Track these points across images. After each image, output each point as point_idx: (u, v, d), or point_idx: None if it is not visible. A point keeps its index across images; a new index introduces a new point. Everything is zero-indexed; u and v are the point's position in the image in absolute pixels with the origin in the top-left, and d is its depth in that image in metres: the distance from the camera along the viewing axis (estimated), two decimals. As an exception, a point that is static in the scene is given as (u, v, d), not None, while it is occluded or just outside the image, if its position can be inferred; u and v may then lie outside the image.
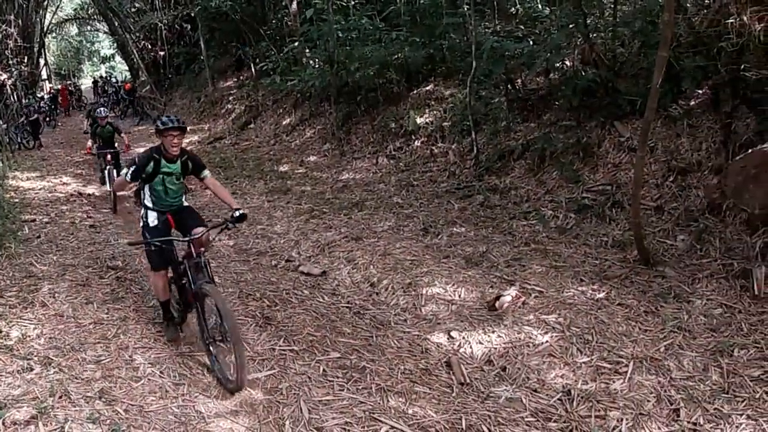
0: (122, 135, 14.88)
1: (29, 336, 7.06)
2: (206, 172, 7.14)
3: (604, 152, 10.25)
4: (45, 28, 42.79)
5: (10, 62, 32.80)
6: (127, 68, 44.91)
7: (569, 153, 10.60)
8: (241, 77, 26.58)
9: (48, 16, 43.79)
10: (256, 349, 6.81)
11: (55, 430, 5.31)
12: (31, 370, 6.30)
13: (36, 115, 25.83)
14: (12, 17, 34.18)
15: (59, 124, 29.21)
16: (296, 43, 19.77)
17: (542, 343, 6.24)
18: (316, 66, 19.12)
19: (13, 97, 32.21)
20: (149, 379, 6.20)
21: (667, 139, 9.55)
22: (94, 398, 5.82)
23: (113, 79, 42.48)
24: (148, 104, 31.55)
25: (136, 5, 34.96)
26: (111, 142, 14.76)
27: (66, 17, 49.44)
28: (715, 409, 4.96)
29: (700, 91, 9.78)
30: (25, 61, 35.38)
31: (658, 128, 9.73)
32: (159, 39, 33.18)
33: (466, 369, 6.08)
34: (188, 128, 23.98)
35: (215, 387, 6.08)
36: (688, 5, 10.34)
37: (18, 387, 5.97)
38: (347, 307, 7.82)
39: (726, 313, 6.31)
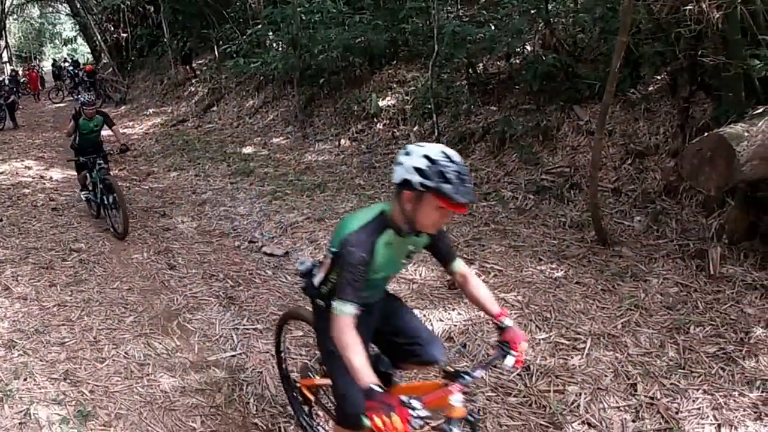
0: (115, 127, 11.18)
1: (-7, 319, 6.97)
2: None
3: (563, 135, 10.27)
4: (6, 10, 42.08)
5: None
6: (89, 50, 44.28)
7: (529, 136, 10.60)
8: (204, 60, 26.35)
9: (8, -2, 43.15)
10: (220, 329, 6.75)
11: (21, 412, 5.25)
12: (-5, 353, 6.22)
13: (12, 97, 25.48)
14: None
15: (20, 107, 28.68)
16: (260, 26, 19.57)
17: (502, 320, 6.23)
18: (280, 49, 18.98)
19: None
20: (114, 360, 6.16)
21: (626, 123, 9.60)
22: (59, 380, 5.78)
23: (66, 63, 41.70)
24: (111, 87, 31.10)
25: (99, -14, 34.44)
26: (99, 143, 11.13)
27: (26, -1, 48.68)
28: (671, 383, 4.98)
29: (659, 77, 9.84)
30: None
31: (616, 112, 9.77)
32: (121, 21, 32.69)
33: (427, 346, 6.07)
34: (151, 111, 23.87)
35: (180, 367, 6.02)
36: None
37: None
38: (310, 286, 7.75)
39: (682, 292, 6.35)
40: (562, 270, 7.14)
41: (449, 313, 6.54)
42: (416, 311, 6.60)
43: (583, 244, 7.77)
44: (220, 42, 22.76)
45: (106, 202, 10.30)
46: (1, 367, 5.98)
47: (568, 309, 6.27)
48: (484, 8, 14.34)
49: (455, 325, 6.32)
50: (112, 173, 11.00)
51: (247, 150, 16.05)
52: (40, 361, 6.12)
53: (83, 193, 11.23)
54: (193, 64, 26.37)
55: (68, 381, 5.75)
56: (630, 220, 8.14)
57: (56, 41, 68.20)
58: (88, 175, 10.80)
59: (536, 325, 6.06)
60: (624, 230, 7.98)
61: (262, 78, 20.13)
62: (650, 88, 9.84)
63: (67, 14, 47.85)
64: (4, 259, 9.00)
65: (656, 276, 6.71)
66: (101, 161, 10.46)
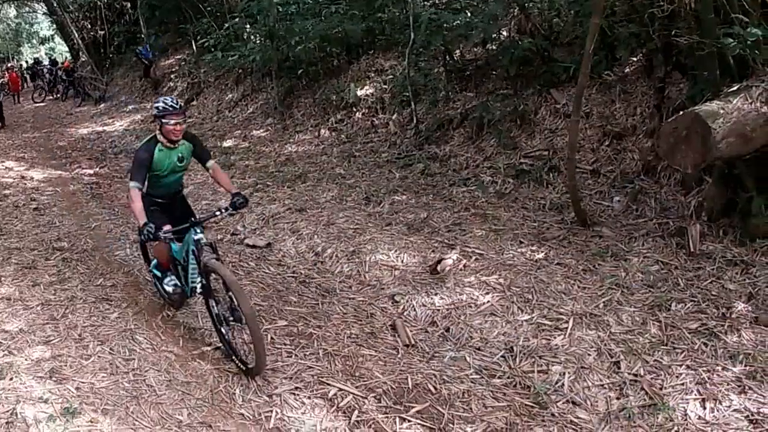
0: (214, 164, 6.68)
1: (-24, 321, 6.91)
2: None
3: (541, 119, 10.29)
4: (-18, 12, 41.71)
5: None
6: (67, 49, 43.91)
7: (507, 121, 10.59)
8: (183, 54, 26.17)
9: (-16, -2, 42.70)
10: (204, 321, 6.73)
11: (8, 411, 5.19)
12: (-22, 353, 6.17)
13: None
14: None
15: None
16: (237, 19, 19.45)
17: (484, 303, 6.26)
18: (257, 41, 18.85)
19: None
20: (99, 357, 6.11)
21: (602, 105, 9.63)
22: (45, 378, 5.73)
23: (43, 62, 41.37)
24: (89, 84, 30.84)
25: (74, -16, 34.12)
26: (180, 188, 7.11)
27: (2, -1, 48.17)
28: (654, 360, 5.01)
29: (634, 59, 9.85)
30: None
31: (593, 95, 9.79)
32: (98, 18, 32.43)
33: (410, 331, 6.11)
34: (130, 107, 23.72)
35: (165, 361, 5.99)
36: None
37: None
38: (293, 276, 7.78)
39: (662, 270, 6.37)
40: (542, 252, 7.14)
41: (431, 298, 6.57)
42: (398, 297, 6.66)
43: (563, 226, 7.79)
44: (198, 36, 22.53)
45: (214, 308, 6.08)
46: (-15, 368, 5.94)
47: (549, 290, 6.28)
48: (459, -5, 14.33)
49: (438, 309, 6.35)
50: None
51: (228, 143, 15.94)
52: (26, 360, 6.05)
53: (169, 281, 6.77)
54: (156, 75, 26.26)
55: (54, 379, 5.70)
56: (609, 200, 8.16)
57: (34, 41, 67.52)
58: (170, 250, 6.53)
59: (518, 307, 6.09)
60: (603, 211, 8.01)
61: (240, 71, 20.00)
62: (626, 70, 9.86)
63: (43, 13, 47.38)
64: (-13, 260, 8.93)
65: (636, 255, 6.72)
66: (198, 230, 5.99)
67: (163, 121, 5.92)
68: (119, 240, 9.67)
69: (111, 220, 10.75)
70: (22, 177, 14.84)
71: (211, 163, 6.53)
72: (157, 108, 5.98)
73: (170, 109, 5.94)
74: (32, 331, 6.64)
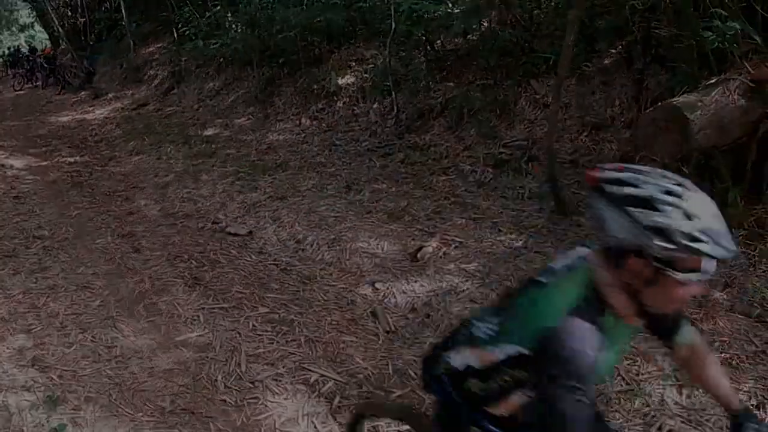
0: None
1: (-44, 310, 6.90)
2: None
3: (521, 109, 10.34)
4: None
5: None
6: (47, 37, 43.57)
7: (487, 110, 10.63)
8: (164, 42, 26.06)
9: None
10: (186, 309, 6.72)
11: (-10, 400, 5.19)
12: (-39, 342, 6.16)
13: None
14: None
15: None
16: (218, 7, 19.39)
17: (463, 290, 6.31)
18: (239, 30, 18.81)
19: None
20: (81, 345, 6.10)
21: (582, 96, 9.70)
22: (27, 366, 5.73)
23: (23, 49, 41.10)
24: (70, 72, 30.62)
25: (54, -29, 33.86)
26: None
27: (-19, -15, 47.81)
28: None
29: (614, 50, 9.92)
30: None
31: (572, 86, 9.84)
32: (79, 5, 32.19)
33: (391, 318, 6.13)
34: (111, 95, 23.54)
35: (147, 348, 5.99)
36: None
37: None
38: (274, 264, 7.76)
39: (639, 257, 6.40)
40: (521, 240, 7.21)
41: (412, 285, 6.61)
42: (379, 284, 6.70)
43: (542, 215, 7.85)
44: (179, 24, 22.47)
45: None
46: (-32, 356, 5.94)
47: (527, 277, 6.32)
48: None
49: (418, 297, 6.39)
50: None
51: (209, 132, 15.87)
52: (8, 348, 6.05)
53: None
54: (98, 84, 26.35)
55: (36, 367, 5.70)
56: (587, 190, 8.19)
57: (13, 28, 66.99)
58: None
59: (497, 294, 6.11)
60: (582, 200, 8.02)
61: (222, 60, 19.87)
62: (605, 62, 9.93)
63: (23, 0, 47.07)
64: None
65: (614, 243, 6.76)
66: None
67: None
68: (100, 229, 9.60)
69: (92, 209, 10.67)
70: (2, 165, 14.73)
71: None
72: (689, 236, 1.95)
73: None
74: (13, 320, 6.62)
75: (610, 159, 8.52)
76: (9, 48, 47.33)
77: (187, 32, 20.66)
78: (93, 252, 8.65)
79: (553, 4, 11.30)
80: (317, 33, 16.03)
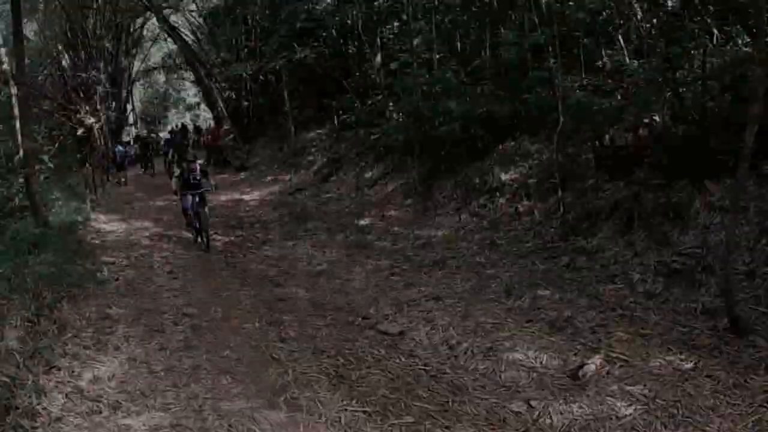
0: None
1: (100, 378, 7.45)
2: None
3: (695, 213, 10.08)
4: (133, 75, 44.37)
5: (98, 107, 34.10)
6: (211, 116, 46.06)
7: (659, 213, 10.48)
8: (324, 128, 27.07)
9: (136, 63, 45.52)
10: (328, 408, 6.88)
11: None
12: (100, 413, 6.64)
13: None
14: (101, 64, 35.60)
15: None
16: (380, 96, 20.09)
17: (625, 415, 6.21)
18: (400, 119, 19.36)
19: (100, 141, 33.53)
20: None
21: (760, 199, 9.39)
22: (161, 446, 6.07)
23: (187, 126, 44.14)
24: (231, 153, 32.17)
25: (222, 56, 35.93)
26: None
27: (154, 65, 51.11)
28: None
29: (794, 147, 9.66)
30: (113, 106, 36.66)
31: (750, 187, 9.56)
32: (243, 89, 33.98)
33: (545, 441, 6.09)
34: (269, 178, 24.52)
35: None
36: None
37: (85, 429, 6.34)
38: (424, 369, 7.83)
39: (821, 388, 6.20)
40: (691, 361, 7.04)
41: (570, 406, 6.55)
42: (534, 402, 6.69)
43: (715, 333, 7.63)
44: (340, 111, 23.37)
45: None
46: (104, 427, 6.35)
47: (696, 405, 6.20)
48: (609, 77, 14.38)
49: (576, 419, 6.33)
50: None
51: (365, 222, 16.36)
52: (144, 425, 6.42)
53: None
54: (126, 178, 28.48)
55: (169, 449, 6.02)
56: (765, 306, 7.95)
57: (180, 106, 71.14)
58: None
59: (662, 422, 6.03)
60: (758, 317, 7.80)
61: (381, 149, 20.50)
62: (786, 159, 9.68)
63: (191, 81, 50.05)
64: (117, 318, 9.59)
65: (792, 369, 6.58)
66: None
67: None
68: (248, 313, 10.04)
69: (242, 291, 11.23)
70: (159, 238, 15.77)
71: None
72: None
73: None
74: (153, 396, 7.02)
75: (791, 272, 8.30)
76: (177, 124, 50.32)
77: (348, 120, 21.43)
78: (239, 336, 9.07)
79: (728, 96, 11.11)
80: (480, 125, 16.27)
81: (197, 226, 15.06)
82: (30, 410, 6.44)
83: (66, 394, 6.94)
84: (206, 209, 15.20)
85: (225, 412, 6.75)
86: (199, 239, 15.10)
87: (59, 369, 7.44)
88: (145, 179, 30.17)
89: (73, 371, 7.48)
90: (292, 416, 6.74)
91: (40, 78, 34.91)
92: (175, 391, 7.20)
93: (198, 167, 15.60)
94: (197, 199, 15.04)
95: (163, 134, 47.39)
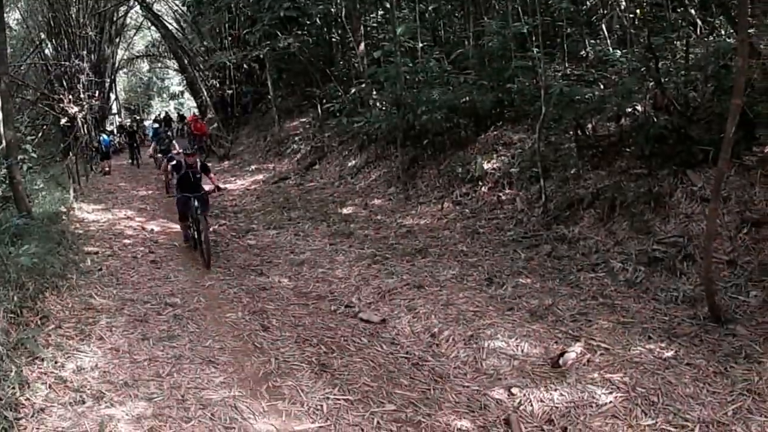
0: None
1: (84, 368, 7.38)
2: None
3: (676, 202, 10.11)
4: (116, 64, 44.13)
5: (82, 96, 33.88)
6: (195, 105, 45.94)
7: (640, 202, 10.49)
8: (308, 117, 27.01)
9: (119, 52, 45.28)
10: (310, 396, 6.88)
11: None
12: (83, 403, 6.59)
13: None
14: (85, 52, 35.37)
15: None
16: (363, 85, 20.03)
17: (606, 403, 6.21)
18: (383, 108, 19.31)
19: (84, 131, 33.33)
20: (200, 421, 6.37)
21: (741, 189, 9.41)
22: (144, 436, 6.03)
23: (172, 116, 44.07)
24: (215, 142, 32.07)
25: (206, 44, 35.79)
26: None
27: (137, 54, 50.91)
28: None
29: (776, 138, 9.68)
30: (96, 95, 36.43)
31: (731, 177, 9.60)
32: (227, 78, 33.87)
33: (525, 428, 6.10)
34: (253, 167, 24.46)
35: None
36: (761, 48, 10.30)
37: (68, 419, 6.26)
38: (406, 357, 7.84)
39: (800, 376, 6.20)
40: (672, 349, 7.05)
41: (551, 394, 6.55)
42: (515, 389, 6.68)
43: (696, 321, 7.66)
44: (324, 100, 23.31)
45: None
46: (87, 417, 6.29)
47: (676, 393, 6.20)
48: (592, 67, 14.38)
49: (556, 407, 6.33)
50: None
51: (348, 210, 16.35)
52: (126, 415, 6.37)
53: None
54: (110, 167, 28.58)
55: (152, 438, 5.98)
56: (745, 294, 7.98)
57: (164, 95, 70.95)
58: None
59: (642, 410, 6.03)
60: (739, 306, 7.83)
61: (364, 137, 20.46)
62: (766, 150, 9.67)
63: (175, 70, 49.90)
64: (101, 308, 9.48)
65: (772, 357, 6.58)
66: None
67: None
68: (231, 302, 10.02)
69: (225, 281, 11.19)
70: (143, 228, 15.67)
71: None
72: None
73: None
74: (136, 386, 6.99)
75: (772, 260, 8.30)
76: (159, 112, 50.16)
77: (331, 108, 21.36)
78: (222, 325, 9.03)
79: (710, 87, 11.11)
80: (463, 114, 16.31)
81: (196, 236, 12.98)
82: (13, 401, 6.37)
83: (49, 385, 6.87)
84: (207, 217, 13.22)
85: (208, 402, 6.73)
86: (200, 255, 12.67)
87: (42, 360, 7.35)
88: (129, 169, 29.97)
89: (56, 362, 7.40)
90: (274, 405, 6.72)
91: (22, 67, 34.68)
92: (158, 380, 7.16)
93: (198, 161, 13.41)
94: (197, 202, 12.81)
95: (148, 123, 47.35)
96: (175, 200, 13.58)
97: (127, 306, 9.64)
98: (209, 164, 15.18)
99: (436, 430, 6.20)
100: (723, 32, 12.80)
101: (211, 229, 13.47)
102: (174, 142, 23.64)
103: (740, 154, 9.69)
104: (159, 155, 21.62)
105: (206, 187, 13.39)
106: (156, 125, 34.06)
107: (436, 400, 6.75)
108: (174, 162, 13.62)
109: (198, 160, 13.53)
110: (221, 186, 14.44)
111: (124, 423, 6.22)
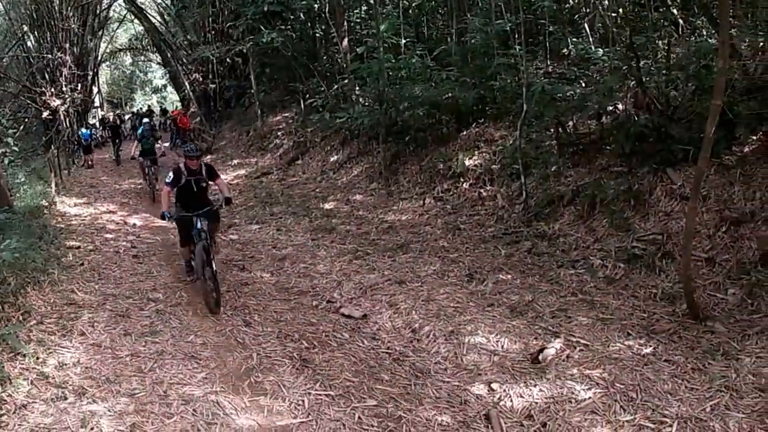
0: None
1: (66, 364, 7.32)
2: None
3: (656, 200, 10.15)
4: (99, 57, 43.84)
5: (64, 89, 33.65)
6: (178, 99, 45.76)
7: (620, 200, 10.53)
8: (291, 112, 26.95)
9: (102, 45, 44.95)
10: (291, 392, 6.87)
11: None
12: (65, 399, 6.54)
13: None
14: (67, 45, 35.12)
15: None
16: (346, 81, 20.00)
17: (585, 399, 6.22)
18: (366, 104, 19.30)
19: (66, 124, 33.11)
20: (182, 417, 6.35)
21: (720, 188, 9.45)
22: (126, 432, 5.99)
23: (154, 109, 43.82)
24: (197, 136, 31.93)
25: (189, 38, 35.64)
26: None
27: (120, 47, 50.63)
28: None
29: (755, 137, 9.72)
30: (79, 88, 36.18)
31: (711, 176, 9.64)
32: (210, 72, 33.73)
33: (505, 423, 6.09)
34: (236, 161, 24.39)
35: (247, 429, 6.18)
36: (742, 49, 10.33)
37: (50, 416, 6.20)
38: (387, 352, 7.84)
39: (776, 373, 6.23)
40: (651, 346, 7.07)
41: (530, 389, 6.55)
42: (495, 385, 6.68)
43: (674, 318, 7.69)
44: (306, 95, 23.27)
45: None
46: (69, 413, 6.23)
47: (655, 389, 6.22)
48: (574, 65, 14.41)
49: (536, 402, 6.33)
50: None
51: (330, 206, 16.31)
52: (108, 411, 6.33)
53: None
54: (92, 160, 28.43)
55: (134, 434, 5.94)
56: (724, 292, 8.01)
57: (147, 88, 70.70)
58: None
59: (621, 406, 6.04)
60: (717, 303, 7.87)
61: (347, 133, 20.45)
62: (746, 150, 9.71)
63: (158, 63, 49.69)
64: (83, 303, 9.40)
65: (749, 354, 6.60)
66: None
67: None
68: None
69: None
70: (125, 222, 15.58)
71: None
72: None
73: None
74: (118, 382, 6.95)
75: (749, 258, 8.32)
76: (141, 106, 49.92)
77: (314, 103, 21.33)
78: (204, 321, 9.00)
79: (691, 86, 11.14)
80: (446, 111, 16.29)
81: (204, 266, 9.36)
82: (-5, 398, 6.34)
83: (31, 381, 6.81)
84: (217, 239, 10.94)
85: (190, 397, 6.70)
86: (203, 294, 9.52)
87: (24, 356, 7.28)
88: (111, 163, 29.75)
89: (38, 358, 7.34)
90: (256, 400, 6.71)
91: (4, 59, 34.42)
92: (140, 376, 7.13)
93: (203, 165, 10.50)
94: (201, 222, 9.82)
95: (128, 117, 47.03)
96: (175, 222, 10.72)
97: (109, 301, 9.56)
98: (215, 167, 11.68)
99: (417, 425, 6.19)
100: (704, 32, 12.86)
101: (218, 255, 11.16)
102: (159, 141, 23.22)
103: (720, 153, 9.72)
104: (141, 158, 19.89)
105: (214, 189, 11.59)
106: (146, 120, 32.73)
107: (417, 395, 6.74)
108: (170, 175, 10.13)
109: (202, 163, 10.58)
110: (230, 197, 11.27)
111: (107, 419, 6.18)
